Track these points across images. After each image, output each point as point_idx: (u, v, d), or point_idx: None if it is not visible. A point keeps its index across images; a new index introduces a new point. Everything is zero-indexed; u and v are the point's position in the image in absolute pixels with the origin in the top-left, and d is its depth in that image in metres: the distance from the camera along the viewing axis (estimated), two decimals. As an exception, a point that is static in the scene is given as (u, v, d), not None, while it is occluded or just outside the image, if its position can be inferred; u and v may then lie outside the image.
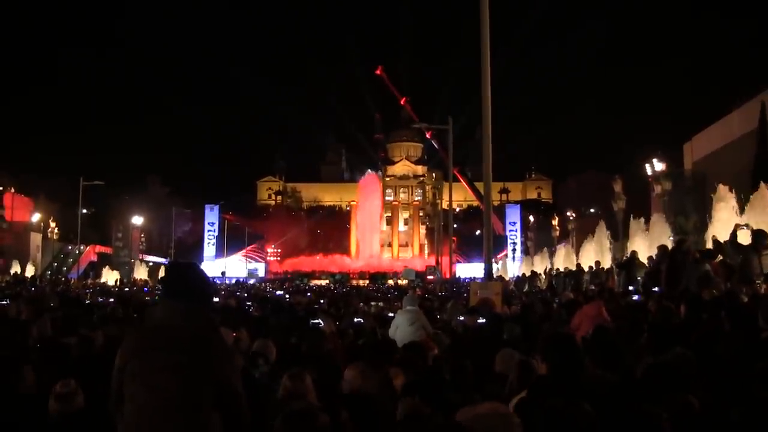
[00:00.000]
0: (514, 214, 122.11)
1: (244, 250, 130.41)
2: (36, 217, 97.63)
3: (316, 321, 17.40)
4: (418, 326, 15.42)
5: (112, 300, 31.48)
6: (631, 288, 28.73)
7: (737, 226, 23.91)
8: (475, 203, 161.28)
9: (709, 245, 26.58)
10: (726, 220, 30.54)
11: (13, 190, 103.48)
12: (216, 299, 29.10)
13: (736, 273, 21.07)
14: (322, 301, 33.07)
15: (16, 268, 76.42)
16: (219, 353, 6.33)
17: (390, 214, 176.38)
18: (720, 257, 23.09)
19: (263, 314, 21.92)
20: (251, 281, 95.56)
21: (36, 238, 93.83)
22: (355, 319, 18.79)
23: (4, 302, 22.90)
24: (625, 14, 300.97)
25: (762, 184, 30.00)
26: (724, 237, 25.30)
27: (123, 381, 6.09)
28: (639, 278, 29.19)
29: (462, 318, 19.67)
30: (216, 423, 6.10)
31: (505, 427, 5.43)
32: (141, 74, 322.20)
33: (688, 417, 6.94)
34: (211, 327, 6.62)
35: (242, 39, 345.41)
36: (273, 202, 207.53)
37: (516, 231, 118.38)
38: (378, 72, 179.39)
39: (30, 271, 78.01)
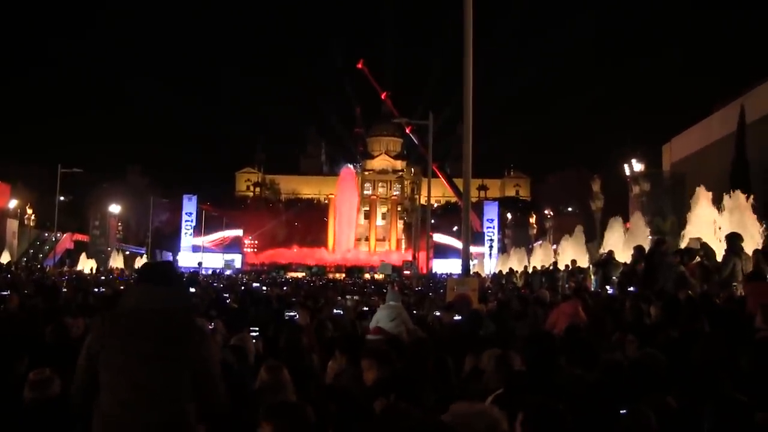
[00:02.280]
0: (491, 211, 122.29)
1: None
2: (13, 204, 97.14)
3: (292, 313, 17.44)
4: (398, 322, 15.41)
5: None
6: (607, 287, 28.86)
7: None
8: (454, 199, 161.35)
9: (685, 246, 26.73)
10: (704, 223, 30.68)
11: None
12: (193, 290, 29.09)
13: (717, 275, 21.17)
14: (298, 294, 33.08)
15: (-8, 255, 76.15)
16: (195, 337, 6.35)
17: (368, 208, 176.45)
18: (697, 258, 23.18)
19: (242, 306, 21.97)
20: (228, 272, 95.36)
21: (12, 225, 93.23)
22: (335, 311, 18.82)
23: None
24: (608, 12, 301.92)
25: (738, 191, 30.13)
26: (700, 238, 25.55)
27: (96, 367, 6.07)
28: (615, 278, 29.28)
29: (438, 314, 19.76)
30: (193, 408, 6.13)
31: (493, 428, 5.45)
32: (122, 64, 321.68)
33: (665, 416, 7.01)
34: (187, 311, 6.63)
35: (224, 30, 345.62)
36: (251, 194, 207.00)
37: (493, 228, 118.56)
38: (359, 66, 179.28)
39: (5, 257, 77.59)
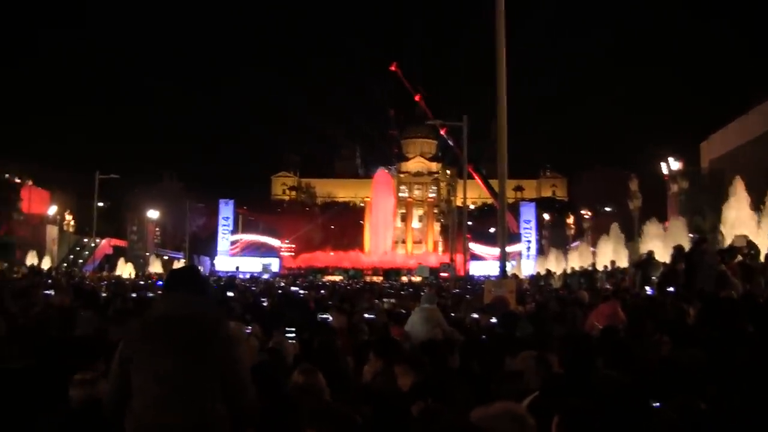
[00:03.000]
0: (528, 212, 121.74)
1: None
2: (52, 210, 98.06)
3: (325, 316, 17.35)
4: (433, 324, 15.31)
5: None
6: (646, 288, 28.62)
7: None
8: (490, 200, 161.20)
9: (727, 245, 26.47)
10: (743, 221, 30.43)
11: (30, 183, 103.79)
12: (230, 294, 29.20)
13: (761, 276, 20.93)
14: (335, 297, 32.97)
15: (32, 260, 76.58)
16: (225, 342, 6.46)
17: (404, 211, 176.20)
18: (739, 258, 22.93)
19: (278, 309, 21.90)
20: (265, 276, 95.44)
21: (52, 231, 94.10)
22: (366, 315, 18.68)
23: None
24: (644, 9, 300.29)
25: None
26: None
27: (128, 372, 6.18)
28: (654, 278, 29.04)
29: (476, 316, 19.61)
30: (224, 412, 6.19)
31: (518, 427, 5.37)
32: (157, 69, 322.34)
33: (693, 418, 6.87)
34: (215, 316, 6.67)
35: (257, 33, 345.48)
36: (287, 198, 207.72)
37: (530, 229, 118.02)
38: (392, 68, 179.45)
39: (46, 263, 78.22)
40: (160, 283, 53.46)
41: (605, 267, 41.89)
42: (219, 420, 6.12)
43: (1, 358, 11.71)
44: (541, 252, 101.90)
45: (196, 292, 6.54)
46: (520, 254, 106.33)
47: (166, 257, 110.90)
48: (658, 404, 6.89)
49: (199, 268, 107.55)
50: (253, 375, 6.85)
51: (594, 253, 56.83)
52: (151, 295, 29.78)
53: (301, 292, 40.71)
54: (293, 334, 13.18)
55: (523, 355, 10.26)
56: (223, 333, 6.51)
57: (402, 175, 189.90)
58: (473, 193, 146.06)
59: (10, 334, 13.31)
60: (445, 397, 7.35)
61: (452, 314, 22.24)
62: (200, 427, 6.02)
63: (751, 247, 23.96)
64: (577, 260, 59.63)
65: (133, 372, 6.14)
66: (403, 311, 20.31)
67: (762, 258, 23.54)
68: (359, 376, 10.81)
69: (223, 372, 6.21)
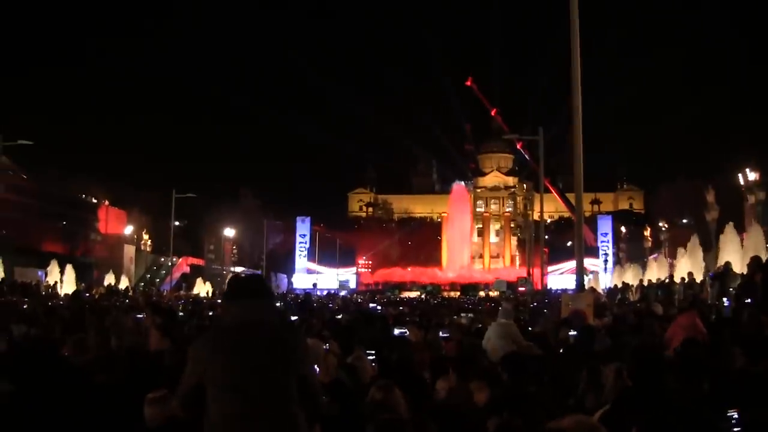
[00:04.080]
0: (605, 225, 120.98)
1: (341, 269, 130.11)
2: (129, 230, 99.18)
3: (402, 330, 17.45)
4: (509, 340, 15.37)
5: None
6: (724, 299, 28.43)
7: None
8: (567, 214, 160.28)
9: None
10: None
11: (107, 203, 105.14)
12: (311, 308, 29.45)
13: None
14: (413, 313, 33.02)
15: (110, 280, 77.31)
16: (299, 347, 6.50)
17: (481, 226, 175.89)
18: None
19: (355, 326, 22.04)
20: (342, 293, 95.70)
21: (129, 250, 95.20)
22: (441, 333, 18.73)
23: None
24: (716, 19, 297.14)
25: None
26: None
27: (202, 382, 6.18)
28: (732, 289, 28.83)
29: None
30: (303, 419, 6.22)
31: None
32: (235, 86, 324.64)
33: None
34: (286, 321, 6.80)
35: (334, 50, 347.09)
36: (364, 214, 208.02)
37: (608, 242, 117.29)
38: (468, 83, 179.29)
39: (124, 282, 78.92)
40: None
41: (682, 279, 41.56)
42: (301, 427, 6.16)
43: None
44: (619, 264, 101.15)
45: (264, 298, 6.55)
46: (597, 269, 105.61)
47: (243, 275, 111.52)
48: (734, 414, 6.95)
49: (276, 284, 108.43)
50: (329, 391, 7.00)
51: (671, 265, 56.39)
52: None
53: (379, 308, 40.84)
54: (372, 354, 13.26)
55: (608, 368, 10.36)
56: (295, 337, 6.59)
57: (479, 190, 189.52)
58: (550, 207, 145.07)
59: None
60: (521, 412, 7.41)
61: (530, 329, 22.28)
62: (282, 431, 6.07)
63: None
64: (654, 273, 59.22)
65: (208, 382, 6.14)
66: (480, 326, 20.41)
67: None
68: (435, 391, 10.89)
69: (301, 377, 6.25)
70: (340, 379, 10.18)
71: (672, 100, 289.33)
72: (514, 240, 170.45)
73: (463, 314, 31.50)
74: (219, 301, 55.37)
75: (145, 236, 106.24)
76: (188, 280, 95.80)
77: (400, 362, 12.40)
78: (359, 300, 67.25)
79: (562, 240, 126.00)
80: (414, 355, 13.25)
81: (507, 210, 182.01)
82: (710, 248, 54.28)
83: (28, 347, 13.92)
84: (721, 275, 31.97)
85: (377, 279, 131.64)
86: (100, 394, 9.62)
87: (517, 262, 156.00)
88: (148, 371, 10.84)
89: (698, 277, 40.73)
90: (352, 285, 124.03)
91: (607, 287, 75.14)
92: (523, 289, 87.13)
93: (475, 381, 9.41)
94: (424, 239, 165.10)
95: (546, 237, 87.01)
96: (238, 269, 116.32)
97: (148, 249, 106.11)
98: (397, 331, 17.81)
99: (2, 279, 56.76)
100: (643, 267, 69.50)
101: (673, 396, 7.50)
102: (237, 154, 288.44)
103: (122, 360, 11.56)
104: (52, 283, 65.68)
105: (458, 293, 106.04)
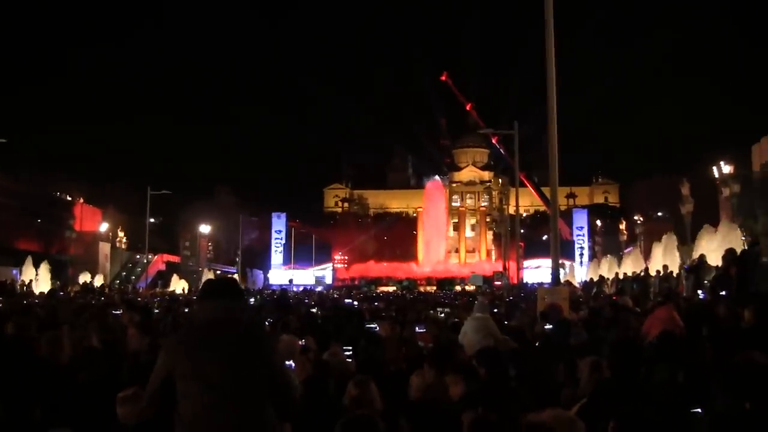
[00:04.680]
0: (581, 219, 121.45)
1: (316, 267, 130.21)
2: (104, 227, 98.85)
3: (373, 326, 17.41)
4: (485, 334, 15.34)
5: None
6: (699, 292, 28.54)
7: None
8: (542, 208, 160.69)
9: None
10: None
11: (82, 201, 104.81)
12: (287, 305, 29.45)
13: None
14: (389, 308, 32.97)
15: (85, 278, 77.00)
16: (269, 343, 6.63)
17: (457, 220, 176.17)
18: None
19: (331, 321, 22.00)
20: (318, 288, 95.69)
21: (105, 248, 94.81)
22: (417, 329, 18.70)
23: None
24: (691, 14, 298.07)
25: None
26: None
27: (173, 381, 6.23)
28: (707, 282, 28.94)
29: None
30: (272, 415, 6.29)
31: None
32: (207, 84, 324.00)
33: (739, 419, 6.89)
34: (255, 319, 6.87)
35: (308, 46, 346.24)
36: (340, 210, 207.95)
37: (583, 236, 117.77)
38: (443, 78, 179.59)
39: (99, 280, 78.62)
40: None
41: (658, 272, 41.67)
42: (270, 423, 6.23)
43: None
44: (594, 258, 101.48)
45: (232, 299, 6.62)
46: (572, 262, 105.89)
47: (219, 272, 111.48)
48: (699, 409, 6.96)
49: (252, 280, 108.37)
50: (304, 388, 7.02)
51: (647, 259, 56.54)
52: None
53: (355, 303, 40.80)
54: (350, 350, 13.24)
55: (584, 361, 10.36)
56: (264, 336, 6.78)
57: (454, 185, 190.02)
58: (525, 201, 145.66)
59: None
60: (496, 406, 7.38)
61: (506, 322, 22.29)
62: (250, 427, 6.12)
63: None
64: (630, 266, 59.35)
65: (178, 378, 6.21)
66: (456, 320, 20.41)
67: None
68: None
69: (271, 374, 6.31)
70: (315, 376, 10.17)
71: (648, 95, 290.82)
72: (489, 234, 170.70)
73: (439, 309, 31.49)
74: (195, 297, 55.40)
75: (121, 234, 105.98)
76: (164, 278, 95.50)
77: (365, 356, 12.42)
78: (335, 295, 67.19)
79: (537, 234, 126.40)
80: (386, 350, 13.22)
81: (483, 204, 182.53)
82: (685, 241, 54.46)
83: (3, 346, 13.84)
84: (696, 268, 32.10)
85: (353, 274, 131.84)
86: (83, 392, 9.57)
87: (493, 257, 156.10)
88: (129, 368, 10.84)
89: (674, 270, 40.80)
90: (329, 281, 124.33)
91: (583, 281, 75.29)
92: (499, 283, 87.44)
93: (450, 375, 9.39)
94: (399, 234, 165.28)
95: (522, 231, 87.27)
96: (216, 267, 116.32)
97: (124, 246, 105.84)
98: (369, 327, 17.74)
99: (-25, 278, 56.59)
100: (619, 260, 69.64)
101: (651, 389, 7.49)
102: (212, 151, 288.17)
103: (102, 356, 11.50)
104: (27, 281, 65.54)
105: (434, 288, 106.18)
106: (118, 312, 23.63)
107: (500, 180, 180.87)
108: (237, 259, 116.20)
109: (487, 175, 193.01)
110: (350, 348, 13.27)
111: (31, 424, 8.63)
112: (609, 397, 7.46)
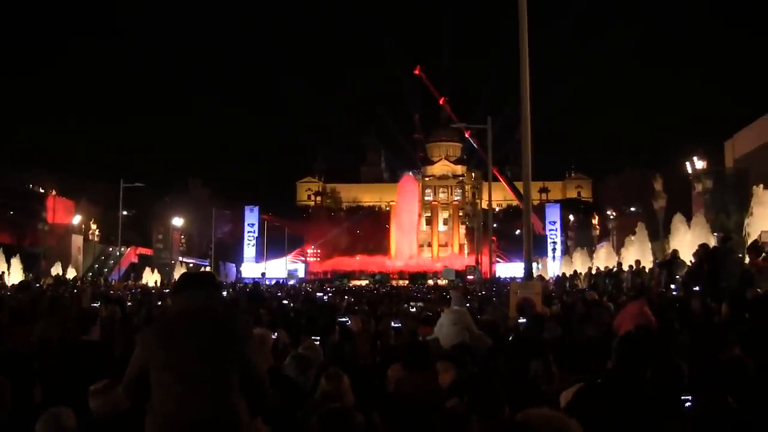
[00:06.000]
0: (553, 214, 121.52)
1: (290, 255, 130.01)
2: (77, 220, 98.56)
3: (344, 320, 17.37)
4: (461, 327, 15.30)
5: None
6: (672, 287, 28.59)
7: None
8: (515, 203, 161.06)
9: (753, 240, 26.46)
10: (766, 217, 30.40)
11: (54, 193, 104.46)
12: (261, 299, 29.44)
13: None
14: (361, 302, 32.91)
15: (57, 270, 76.66)
16: (241, 335, 6.62)
17: (429, 214, 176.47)
18: (765, 255, 22.90)
19: (304, 315, 21.96)
20: (291, 282, 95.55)
21: (77, 240, 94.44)
22: (393, 324, 18.65)
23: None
24: (666, 10, 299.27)
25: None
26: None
27: (148, 370, 6.25)
28: (679, 277, 29.01)
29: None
30: (244, 405, 6.27)
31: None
32: (181, 76, 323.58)
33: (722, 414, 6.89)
34: (228, 310, 6.87)
35: (282, 39, 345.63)
36: (312, 203, 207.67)
37: (556, 230, 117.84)
38: (416, 72, 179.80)
39: (71, 273, 78.29)
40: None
41: (630, 267, 41.74)
42: (242, 414, 6.19)
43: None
44: (567, 253, 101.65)
45: (207, 290, 6.63)
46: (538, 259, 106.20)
47: (191, 264, 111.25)
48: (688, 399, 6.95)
49: (225, 273, 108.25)
50: (274, 381, 7.00)
51: (619, 253, 56.67)
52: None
53: (326, 297, 40.76)
54: (318, 340, 13.20)
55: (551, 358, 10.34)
56: (238, 328, 6.65)
57: (427, 179, 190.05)
58: (498, 196, 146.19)
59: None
60: (482, 396, 7.33)
61: (479, 316, 22.26)
62: (226, 422, 6.09)
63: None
64: (602, 261, 59.49)
65: (152, 368, 6.22)
66: (430, 314, 20.38)
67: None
68: (385, 380, 10.84)
69: (243, 365, 6.31)
70: (286, 369, 10.13)
71: (622, 89, 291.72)
72: (462, 228, 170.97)
73: (413, 303, 31.42)
74: (167, 291, 55.20)
75: (93, 226, 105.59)
76: (136, 270, 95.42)
77: (335, 350, 12.39)
78: (308, 289, 67.17)
79: (510, 228, 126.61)
80: (357, 344, 13.20)
81: (455, 198, 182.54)
82: (658, 236, 54.62)
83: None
84: (669, 263, 32.15)
85: (326, 268, 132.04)
86: (33, 379, 9.48)
87: (466, 251, 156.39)
88: (91, 359, 10.74)
89: (646, 265, 40.87)
90: (301, 274, 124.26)
91: (556, 275, 75.42)
92: (471, 277, 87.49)
93: (441, 362, 9.40)
94: (372, 228, 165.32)
95: (494, 225, 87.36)
96: (188, 260, 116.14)
97: (97, 239, 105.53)
98: (341, 320, 17.71)
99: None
100: (591, 255, 69.80)
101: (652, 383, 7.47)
102: (186, 144, 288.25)
103: (57, 347, 11.49)
104: (-1, 273, 65.23)
105: (407, 282, 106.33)
106: (95, 304, 23.64)
107: (473, 174, 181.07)
108: (210, 252, 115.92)
109: (460, 169, 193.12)
110: (318, 338, 13.26)
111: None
112: (610, 385, 7.46)
